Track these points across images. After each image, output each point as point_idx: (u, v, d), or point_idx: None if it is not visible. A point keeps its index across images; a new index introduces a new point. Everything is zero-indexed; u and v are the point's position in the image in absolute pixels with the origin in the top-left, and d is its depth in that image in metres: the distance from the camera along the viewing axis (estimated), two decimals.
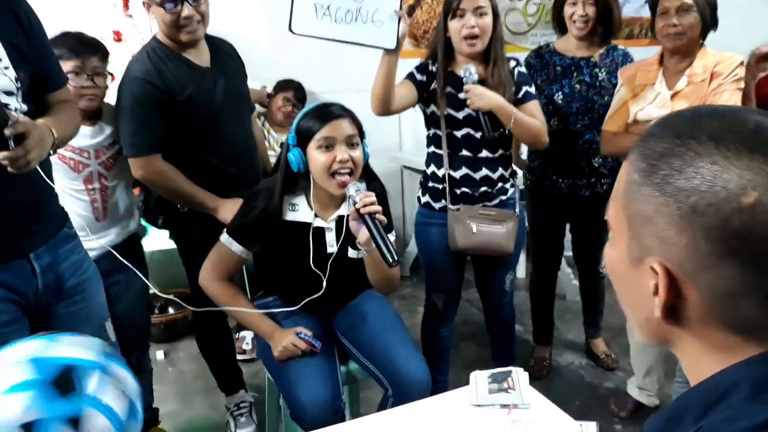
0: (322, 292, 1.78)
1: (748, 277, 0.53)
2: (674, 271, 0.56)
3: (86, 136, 1.94)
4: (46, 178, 1.38)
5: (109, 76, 1.98)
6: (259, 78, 3.24)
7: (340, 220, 1.79)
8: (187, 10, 1.90)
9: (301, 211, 1.79)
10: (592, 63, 2.41)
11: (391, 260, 1.58)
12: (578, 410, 2.47)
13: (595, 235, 2.54)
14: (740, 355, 0.56)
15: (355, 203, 1.62)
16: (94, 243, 1.92)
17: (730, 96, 2.00)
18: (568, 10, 2.37)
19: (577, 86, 2.41)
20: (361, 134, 1.77)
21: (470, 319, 3.24)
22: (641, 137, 0.61)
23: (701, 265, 0.55)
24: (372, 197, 1.63)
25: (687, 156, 0.55)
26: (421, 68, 2.14)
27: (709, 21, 2.01)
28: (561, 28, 2.46)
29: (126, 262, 1.76)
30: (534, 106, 2.15)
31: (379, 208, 1.62)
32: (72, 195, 1.93)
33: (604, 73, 2.39)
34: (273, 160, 2.73)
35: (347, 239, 1.79)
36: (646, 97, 2.12)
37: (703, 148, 0.54)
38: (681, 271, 0.56)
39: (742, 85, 2.01)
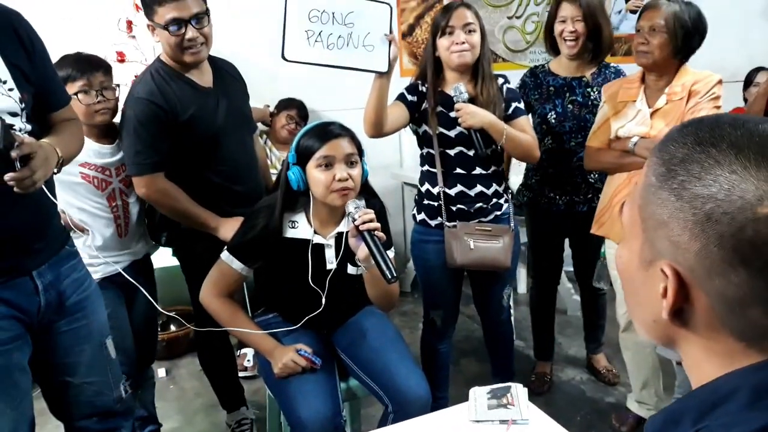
0: (321, 308, 1.80)
1: (758, 286, 0.53)
2: (684, 275, 0.57)
3: (107, 155, 1.99)
4: (51, 197, 1.40)
5: (117, 88, 2.02)
6: (262, 97, 3.28)
7: (339, 237, 1.81)
8: (191, 32, 1.93)
9: (301, 228, 1.81)
10: (584, 83, 2.44)
11: (390, 277, 1.59)
12: (580, 426, 2.46)
13: (594, 249, 2.55)
14: (742, 361, 0.57)
15: (354, 220, 1.64)
16: (118, 258, 1.99)
17: (706, 114, 2.02)
18: (557, 27, 2.39)
19: (570, 106, 2.44)
20: (360, 152, 1.79)
21: (471, 336, 3.24)
22: (662, 141, 0.61)
23: (712, 272, 0.55)
24: (371, 214, 1.65)
25: (706, 163, 0.55)
26: (411, 89, 2.16)
27: (680, 44, 2.02)
28: (553, 48, 2.49)
29: (134, 282, 1.79)
30: (524, 121, 2.18)
31: (378, 225, 1.64)
32: (97, 214, 1.97)
33: (596, 92, 2.41)
34: (275, 178, 2.76)
35: (347, 256, 1.81)
36: (627, 114, 2.15)
37: (723, 157, 0.55)
38: (691, 276, 0.57)
39: (720, 103, 2.04)
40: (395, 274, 1.60)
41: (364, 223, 1.62)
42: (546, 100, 2.47)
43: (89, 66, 1.93)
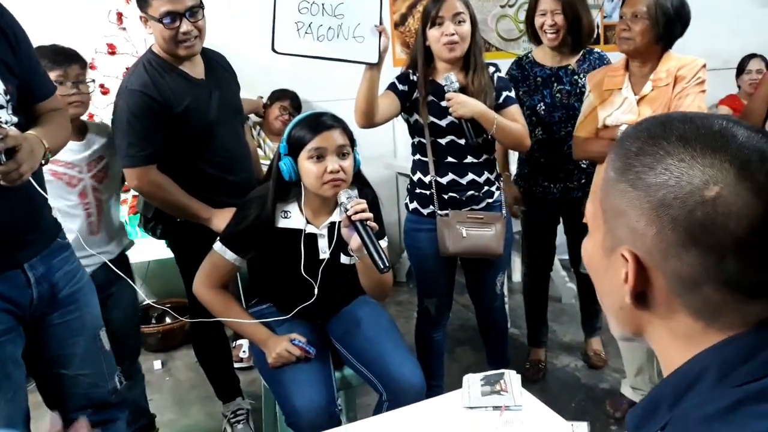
0: (314, 298, 1.80)
1: (708, 265, 0.58)
2: (643, 258, 0.61)
3: (76, 151, 1.96)
4: (39, 189, 1.40)
5: (91, 84, 2.00)
6: (255, 89, 3.27)
7: (332, 227, 1.81)
8: (185, 26, 1.91)
9: (293, 218, 1.81)
10: (570, 71, 2.46)
11: (382, 266, 1.59)
12: (574, 412, 2.48)
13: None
14: (703, 342, 0.61)
15: (346, 210, 1.64)
16: (92, 258, 1.91)
17: (693, 99, 2.04)
18: (537, 20, 2.41)
19: (558, 95, 2.46)
20: (352, 143, 1.79)
21: (466, 324, 3.25)
22: (619, 139, 0.66)
23: (667, 253, 0.59)
24: (363, 204, 1.65)
25: (658, 154, 0.60)
26: (402, 78, 2.16)
27: (662, 31, 2.04)
28: (536, 38, 2.51)
29: (124, 275, 1.78)
30: (515, 110, 2.18)
31: (370, 215, 1.64)
32: (68, 211, 1.93)
33: (583, 78, 2.42)
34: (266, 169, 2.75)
35: (340, 245, 1.81)
36: (614, 102, 2.15)
37: (673, 147, 0.60)
38: (649, 259, 0.61)
39: (705, 87, 2.06)
40: (388, 264, 1.61)
41: (356, 213, 1.62)
42: (534, 92, 2.49)
43: (66, 58, 1.91)
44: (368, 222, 1.63)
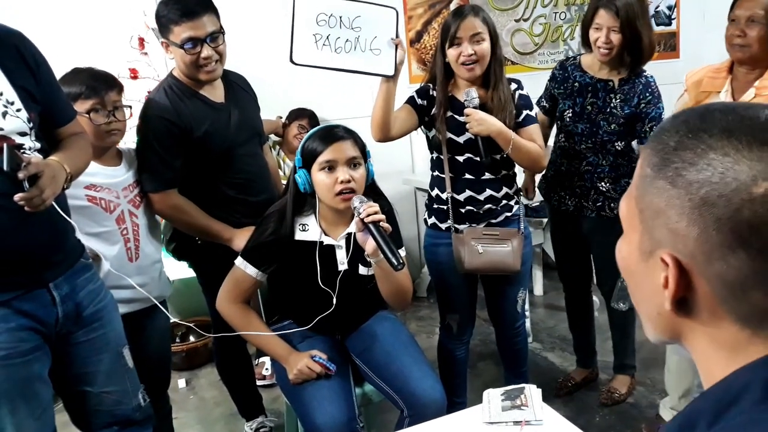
0: (332, 308, 1.81)
1: (758, 268, 0.53)
2: (684, 262, 0.56)
3: (113, 176, 1.91)
4: (62, 213, 1.43)
5: (128, 110, 1.96)
6: (274, 109, 3.32)
7: (349, 238, 1.83)
8: (206, 51, 1.93)
9: (311, 230, 1.83)
10: (609, 87, 2.31)
11: (396, 263, 1.60)
12: (598, 426, 2.44)
13: (608, 260, 2.42)
14: (748, 352, 0.56)
15: (359, 214, 1.66)
16: (134, 293, 1.82)
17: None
18: (592, 34, 2.23)
19: (588, 108, 2.34)
20: (364, 154, 1.81)
21: (488, 339, 3.23)
22: (655, 133, 0.62)
23: (712, 256, 0.54)
24: (375, 207, 1.66)
25: (699, 148, 0.55)
26: (422, 92, 2.15)
27: None
28: (588, 45, 2.31)
29: (167, 312, 1.77)
30: (534, 129, 2.14)
31: (382, 216, 1.65)
32: (107, 238, 1.86)
33: (617, 100, 2.29)
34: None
35: (358, 257, 1.83)
36: None
37: (715, 141, 0.55)
38: (692, 263, 0.56)
39: None
40: (402, 261, 1.62)
41: (368, 215, 1.64)
42: (568, 96, 2.38)
43: (104, 84, 1.87)
44: (381, 224, 1.64)
